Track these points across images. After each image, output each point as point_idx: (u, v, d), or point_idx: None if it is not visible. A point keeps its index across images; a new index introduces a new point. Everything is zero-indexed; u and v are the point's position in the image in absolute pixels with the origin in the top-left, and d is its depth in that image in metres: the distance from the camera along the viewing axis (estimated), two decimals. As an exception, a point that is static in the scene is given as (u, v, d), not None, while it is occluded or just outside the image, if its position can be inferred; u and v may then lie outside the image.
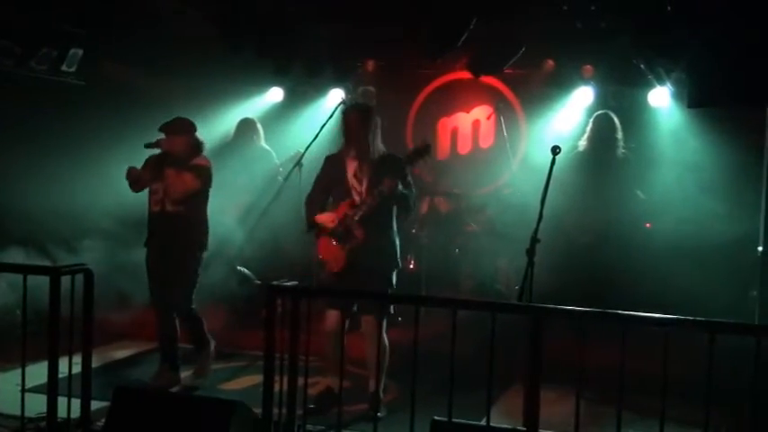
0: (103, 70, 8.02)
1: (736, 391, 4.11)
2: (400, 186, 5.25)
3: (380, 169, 5.29)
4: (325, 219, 5.40)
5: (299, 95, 9.03)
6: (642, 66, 7.36)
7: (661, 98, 7.99)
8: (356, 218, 5.28)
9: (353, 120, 5.41)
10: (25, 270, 4.57)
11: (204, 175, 5.85)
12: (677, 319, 3.67)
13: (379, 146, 5.43)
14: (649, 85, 7.87)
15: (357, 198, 5.34)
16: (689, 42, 5.54)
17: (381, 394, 5.32)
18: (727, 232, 6.81)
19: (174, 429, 4.33)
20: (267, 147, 8.22)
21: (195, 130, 5.94)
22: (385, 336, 5.25)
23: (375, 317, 5.07)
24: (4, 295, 5.99)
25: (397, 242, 5.50)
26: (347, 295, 5.30)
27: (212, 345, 6.12)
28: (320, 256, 5.52)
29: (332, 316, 5.30)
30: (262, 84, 8.95)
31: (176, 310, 5.89)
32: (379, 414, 4.86)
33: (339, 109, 6.61)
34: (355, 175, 5.38)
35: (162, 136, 5.84)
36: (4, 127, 7.11)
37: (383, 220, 5.37)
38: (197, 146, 5.91)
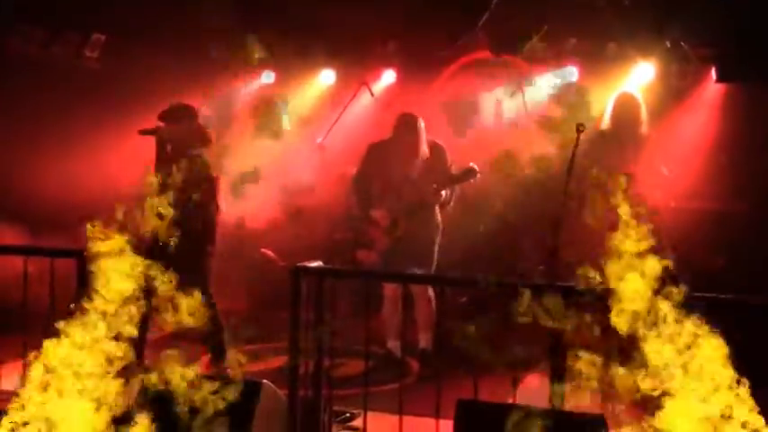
0: (126, 55, 8.03)
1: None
2: (444, 193, 6.15)
3: (428, 170, 6.17)
4: (379, 214, 6.23)
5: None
6: (668, 42, 7.26)
7: (685, 74, 7.86)
8: (402, 207, 6.17)
9: (409, 126, 6.21)
10: (52, 254, 4.61)
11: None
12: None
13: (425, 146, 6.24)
14: (674, 62, 7.74)
15: (404, 191, 6.15)
16: (716, 17, 5.46)
17: (430, 349, 6.17)
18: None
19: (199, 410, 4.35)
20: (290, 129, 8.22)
21: (197, 116, 5.88)
22: (432, 295, 6.14)
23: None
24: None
25: (440, 223, 6.31)
26: (370, 276, 5.75)
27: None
28: (369, 238, 6.32)
29: (389, 287, 6.17)
30: (285, 66, 8.89)
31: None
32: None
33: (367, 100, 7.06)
34: (405, 173, 6.18)
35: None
36: (27, 112, 7.16)
37: (427, 210, 6.23)
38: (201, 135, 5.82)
